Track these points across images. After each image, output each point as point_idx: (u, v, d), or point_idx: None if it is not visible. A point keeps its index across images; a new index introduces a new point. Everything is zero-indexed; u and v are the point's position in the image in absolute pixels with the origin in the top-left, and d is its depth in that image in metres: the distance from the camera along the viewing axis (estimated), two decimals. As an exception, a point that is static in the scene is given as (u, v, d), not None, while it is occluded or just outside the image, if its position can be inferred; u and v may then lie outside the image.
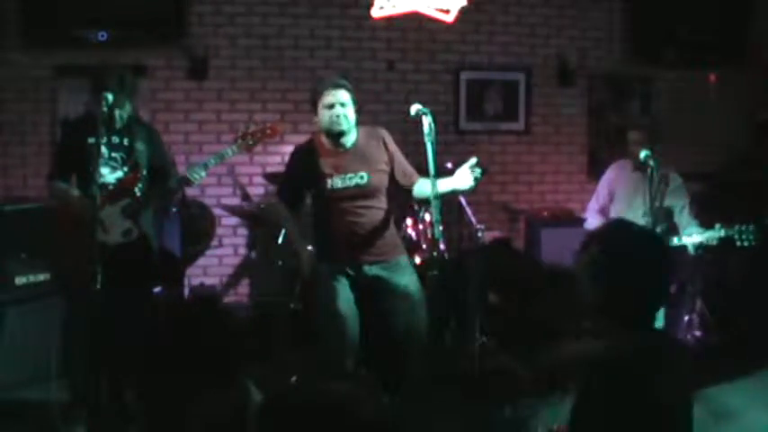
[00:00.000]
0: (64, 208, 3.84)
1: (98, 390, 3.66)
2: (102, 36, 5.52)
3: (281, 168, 6.08)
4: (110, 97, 3.63)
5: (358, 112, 3.78)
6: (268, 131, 4.02)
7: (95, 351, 3.60)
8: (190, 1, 5.84)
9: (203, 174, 3.91)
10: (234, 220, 6.07)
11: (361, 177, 3.71)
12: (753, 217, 4.25)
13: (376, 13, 5.77)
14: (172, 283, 5.22)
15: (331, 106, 3.66)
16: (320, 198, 3.75)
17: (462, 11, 5.81)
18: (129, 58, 5.73)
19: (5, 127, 5.63)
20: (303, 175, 3.77)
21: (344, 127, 3.68)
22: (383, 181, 3.79)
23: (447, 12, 5.77)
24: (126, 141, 3.86)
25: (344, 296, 3.67)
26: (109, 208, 3.76)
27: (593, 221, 4.63)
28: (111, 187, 3.81)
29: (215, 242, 6.03)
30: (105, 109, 3.62)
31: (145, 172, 3.87)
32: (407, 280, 3.79)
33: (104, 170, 3.78)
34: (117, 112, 3.75)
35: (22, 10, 5.47)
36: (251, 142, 3.97)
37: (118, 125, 3.82)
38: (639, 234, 2.20)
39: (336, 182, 3.69)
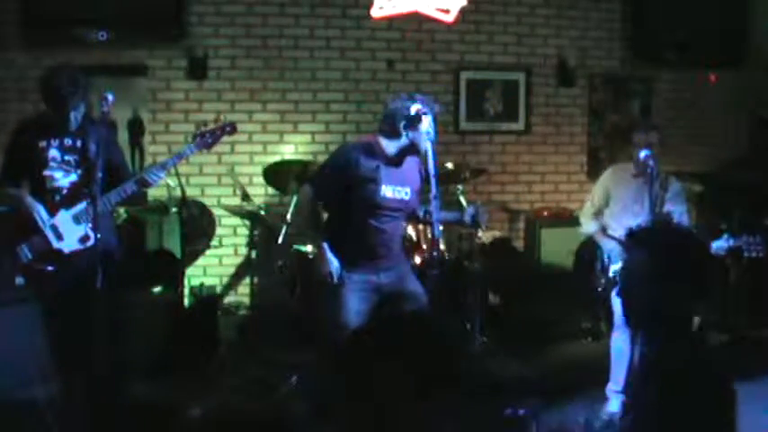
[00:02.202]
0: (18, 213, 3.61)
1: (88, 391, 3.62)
2: (102, 36, 5.52)
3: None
4: (110, 97, 3.58)
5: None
6: (228, 129, 3.85)
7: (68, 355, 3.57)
8: (190, 1, 5.84)
9: (161, 175, 3.71)
10: (234, 220, 6.07)
11: (406, 193, 3.70)
12: (753, 219, 4.15)
13: (376, 13, 5.78)
14: (172, 283, 5.21)
15: None
16: (360, 203, 3.62)
17: (462, 11, 5.81)
18: (129, 58, 5.74)
19: (5, 127, 5.61)
20: (354, 175, 3.59)
21: None
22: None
23: (447, 12, 5.77)
24: (79, 143, 3.64)
25: (355, 308, 3.63)
26: (63, 213, 3.59)
27: (589, 226, 4.44)
28: (64, 192, 3.61)
29: (215, 242, 6.03)
30: (106, 109, 3.56)
31: (100, 174, 3.54)
32: (415, 285, 3.82)
33: (58, 174, 3.59)
34: (72, 114, 3.55)
35: (22, 10, 5.47)
36: (210, 140, 3.80)
37: (72, 127, 3.61)
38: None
39: (387, 191, 3.65)
